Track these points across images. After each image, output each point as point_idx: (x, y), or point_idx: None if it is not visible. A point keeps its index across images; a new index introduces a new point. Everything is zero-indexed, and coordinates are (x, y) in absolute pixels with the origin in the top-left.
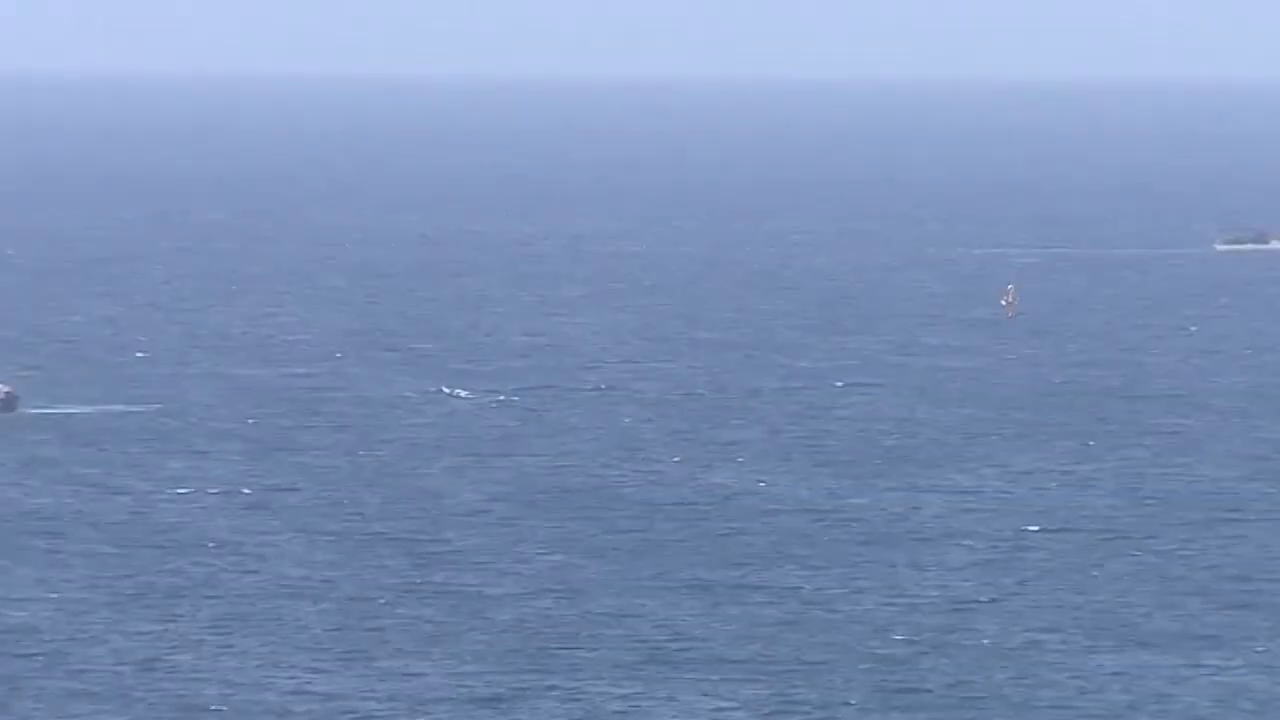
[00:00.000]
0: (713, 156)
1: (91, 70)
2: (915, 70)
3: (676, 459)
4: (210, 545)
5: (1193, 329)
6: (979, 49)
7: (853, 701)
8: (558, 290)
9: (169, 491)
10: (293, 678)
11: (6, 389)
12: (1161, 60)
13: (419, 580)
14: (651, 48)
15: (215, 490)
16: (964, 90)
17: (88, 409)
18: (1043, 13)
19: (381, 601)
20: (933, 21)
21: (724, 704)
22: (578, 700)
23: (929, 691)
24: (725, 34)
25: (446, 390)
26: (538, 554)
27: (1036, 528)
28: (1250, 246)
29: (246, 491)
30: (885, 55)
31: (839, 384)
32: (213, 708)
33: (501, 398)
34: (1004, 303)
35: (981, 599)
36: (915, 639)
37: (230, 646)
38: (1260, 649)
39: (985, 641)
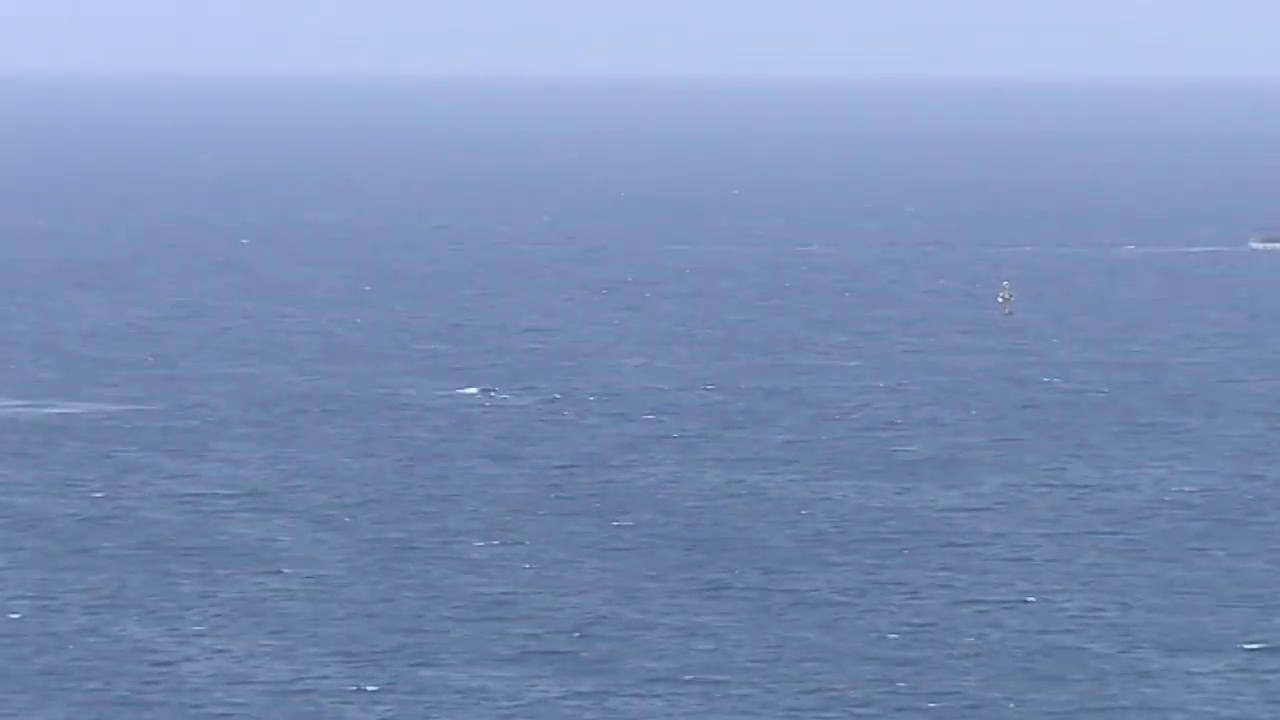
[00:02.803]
0: (714, 156)
1: (91, 70)
2: (915, 70)
3: (687, 460)
4: (224, 546)
5: (1219, 327)
6: (979, 49)
7: (872, 703)
8: (567, 291)
9: (182, 492)
10: (306, 679)
11: None
12: (1161, 60)
13: (433, 581)
14: (651, 48)
15: (228, 491)
16: (964, 90)
17: (93, 409)
18: (1043, 13)
19: (397, 603)
20: (933, 21)
21: (740, 708)
22: (588, 700)
23: (949, 694)
24: (725, 34)
25: (466, 391)
26: (552, 556)
27: (1051, 530)
28: None
29: (261, 493)
30: (885, 55)
31: (843, 384)
32: (224, 710)
33: (512, 398)
34: (1000, 299)
35: (997, 601)
36: (929, 641)
37: (240, 648)
38: None
39: (1007, 644)
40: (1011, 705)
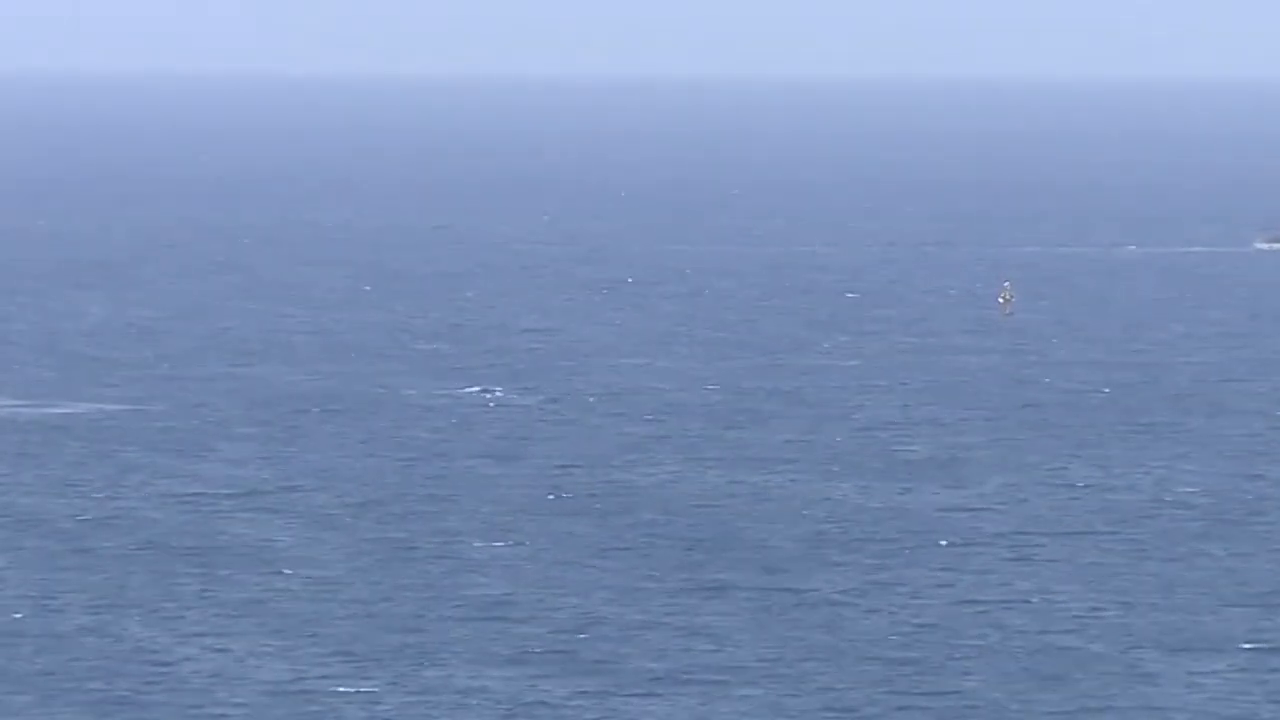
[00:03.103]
0: (714, 156)
1: (91, 70)
2: (915, 70)
3: (688, 460)
4: (224, 547)
5: (1220, 327)
6: (979, 49)
7: (873, 703)
8: (567, 291)
9: (182, 492)
10: (306, 679)
11: None
12: (1161, 60)
13: (433, 581)
14: (651, 48)
15: (228, 491)
16: (964, 90)
17: (93, 409)
18: (1043, 13)
19: (397, 603)
20: (933, 21)
21: (741, 708)
22: (588, 700)
23: (949, 694)
24: (725, 34)
25: (466, 391)
26: (552, 556)
27: (1051, 530)
28: None
29: (261, 493)
30: (885, 55)
31: (843, 384)
32: (224, 710)
33: (512, 398)
34: (1001, 300)
35: (998, 601)
36: (930, 641)
37: (240, 648)
38: None
39: (1008, 644)
40: (1012, 705)
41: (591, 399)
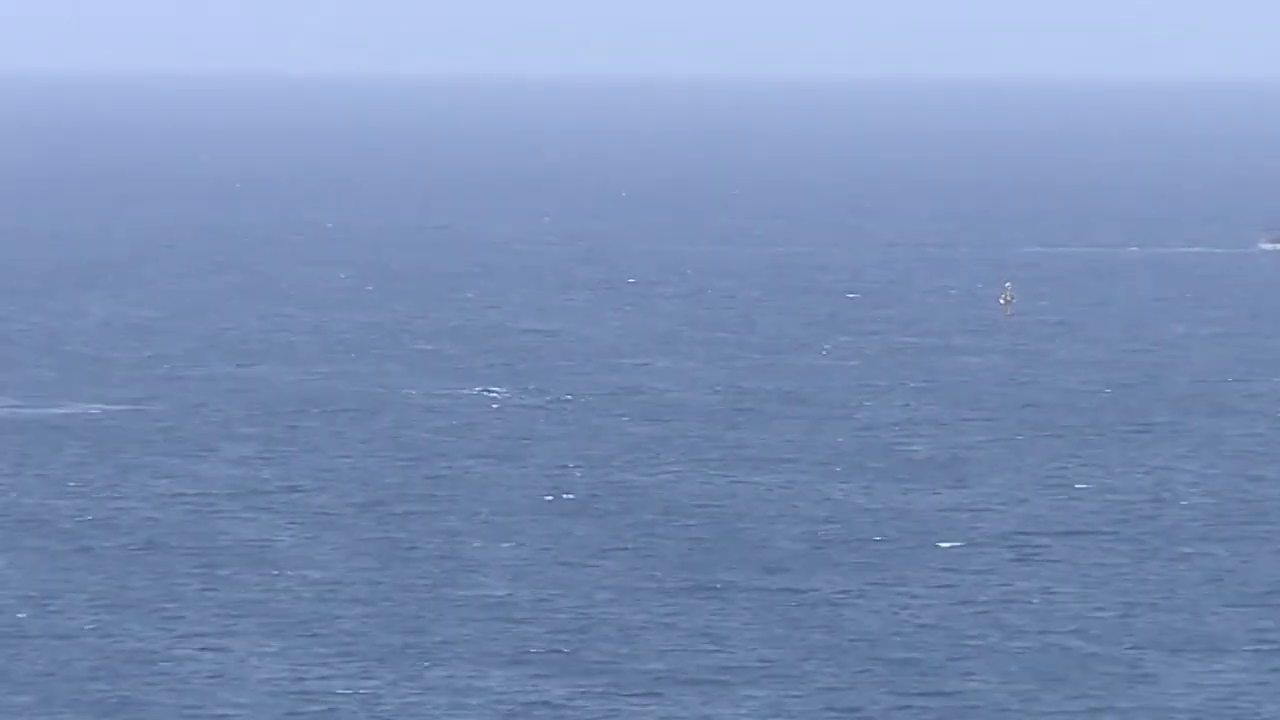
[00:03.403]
0: (715, 156)
1: (91, 70)
2: (915, 70)
3: (688, 460)
4: (224, 547)
5: (1221, 327)
6: (979, 49)
7: (873, 704)
8: (567, 291)
9: (182, 492)
10: (306, 679)
11: None
12: (1161, 60)
13: (433, 581)
14: (651, 48)
15: (228, 491)
16: (964, 90)
17: (93, 409)
18: (1043, 13)
19: (397, 603)
20: (933, 21)
21: (742, 709)
22: (589, 700)
23: (950, 694)
24: (725, 34)
25: (466, 391)
26: (552, 556)
27: (1052, 529)
28: None
29: (260, 493)
30: (885, 55)
31: (843, 384)
32: (224, 710)
33: (512, 398)
34: (1002, 301)
35: (998, 601)
36: (930, 641)
37: (240, 648)
38: None
39: (1008, 644)
40: (1014, 705)
41: (591, 399)
